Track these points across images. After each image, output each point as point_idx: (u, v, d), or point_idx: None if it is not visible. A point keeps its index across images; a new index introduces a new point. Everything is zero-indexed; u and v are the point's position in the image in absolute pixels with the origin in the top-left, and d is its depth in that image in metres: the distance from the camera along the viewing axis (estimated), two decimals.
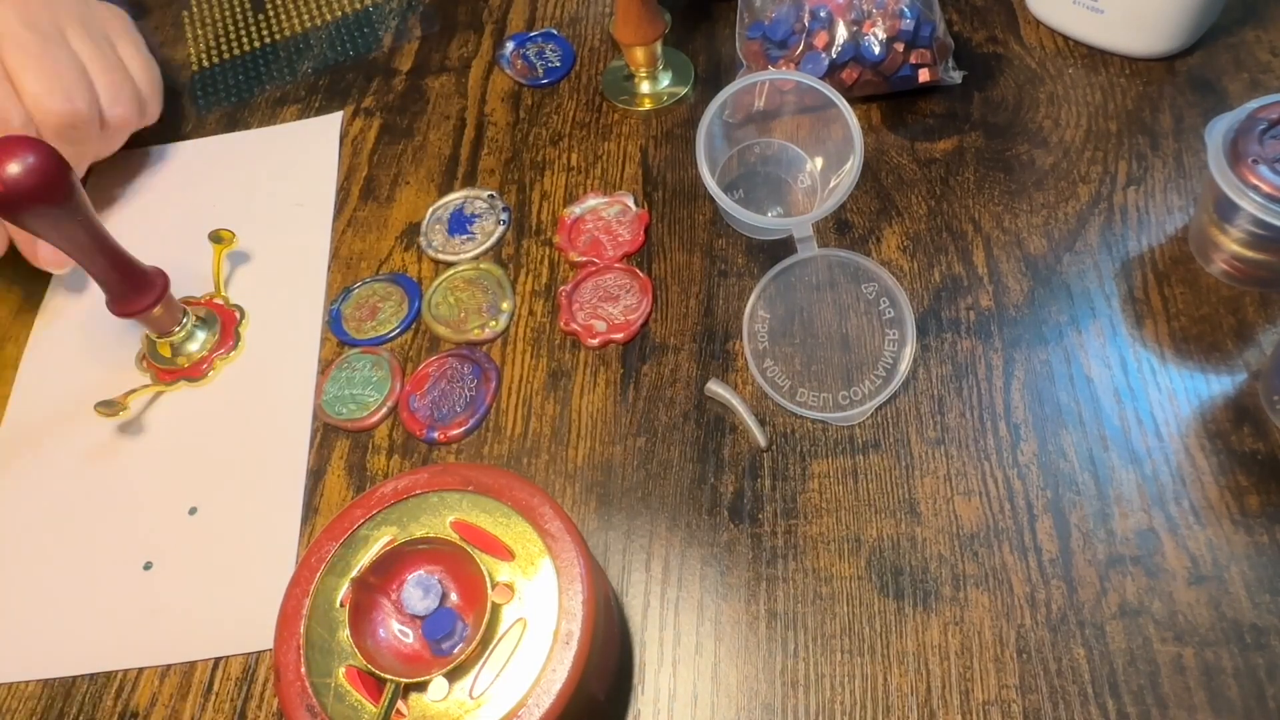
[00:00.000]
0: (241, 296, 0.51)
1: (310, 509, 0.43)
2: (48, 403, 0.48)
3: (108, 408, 0.45)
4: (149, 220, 0.55)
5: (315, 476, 0.44)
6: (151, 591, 0.41)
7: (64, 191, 0.39)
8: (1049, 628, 0.36)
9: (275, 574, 0.41)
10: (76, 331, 0.51)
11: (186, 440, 0.46)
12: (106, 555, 0.43)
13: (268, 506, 0.43)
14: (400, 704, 0.30)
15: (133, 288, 0.45)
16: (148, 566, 0.42)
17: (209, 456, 0.45)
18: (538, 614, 0.31)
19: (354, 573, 0.32)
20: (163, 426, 0.47)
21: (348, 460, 0.44)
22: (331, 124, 0.58)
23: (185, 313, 0.48)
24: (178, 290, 0.47)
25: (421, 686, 0.30)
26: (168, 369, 0.48)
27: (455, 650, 0.31)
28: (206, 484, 0.44)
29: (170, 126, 0.59)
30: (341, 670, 0.31)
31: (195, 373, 0.48)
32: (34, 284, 0.53)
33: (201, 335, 0.49)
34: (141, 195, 0.56)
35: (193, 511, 0.44)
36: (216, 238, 0.51)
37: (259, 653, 0.39)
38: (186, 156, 0.58)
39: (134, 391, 0.46)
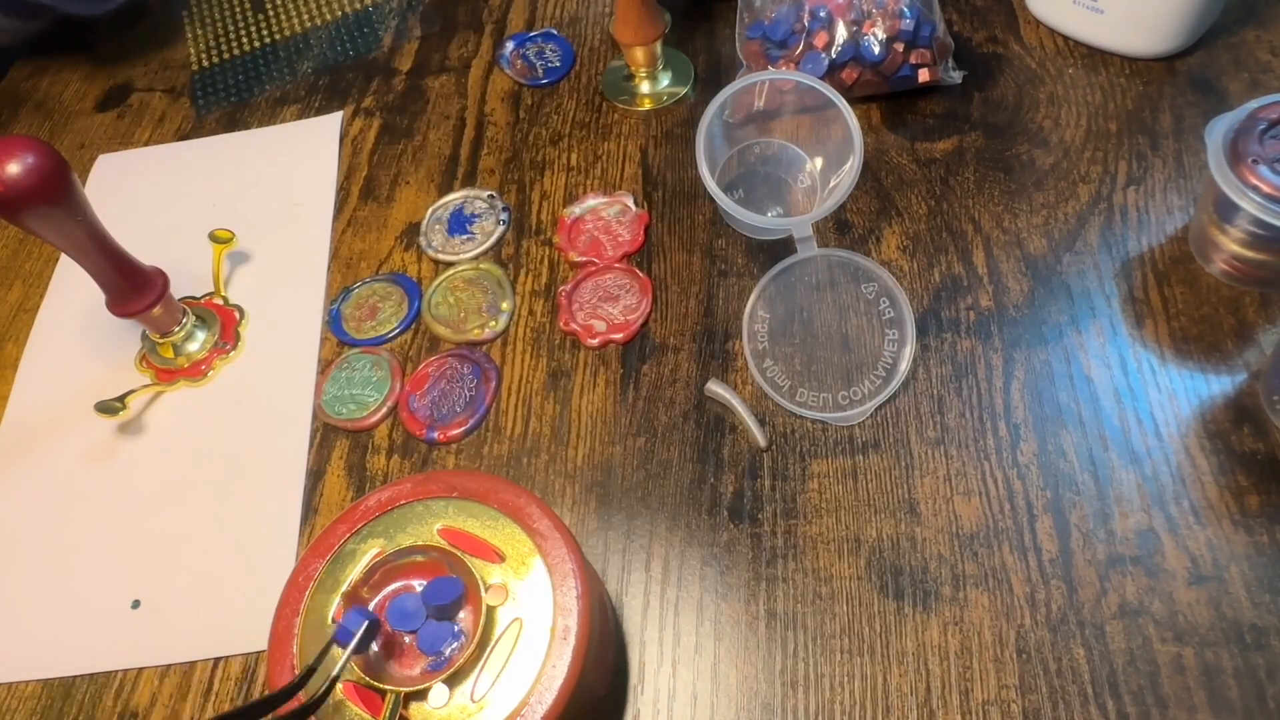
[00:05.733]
0: (241, 296, 0.51)
1: (310, 509, 0.43)
2: (47, 403, 0.48)
3: (107, 408, 0.45)
4: (149, 220, 0.54)
5: (315, 476, 0.44)
6: (151, 591, 0.41)
7: (64, 191, 0.39)
8: (1049, 628, 0.36)
9: (275, 574, 0.41)
10: (76, 331, 0.51)
11: (186, 440, 0.46)
12: (106, 555, 0.43)
13: (267, 506, 0.43)
14: (402, 713, 0.29)
15: (133, 288, 0.45)
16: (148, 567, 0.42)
17: (209, 456, 0.45)
18: (533, 612, 0.31)
19: (344, 588, 0.32)
20: (162, 426, 0.47)
21: (347, 460, 0.44)
22: (331, 124, 0.58)
23: (185, 313, 0.48)
24: (178, 290, 0.47)
25: (422, 695, 0.30)
26: (167, 369, 0.48)
27: (453, 655, 0.31)
28: (206, 484, 0.44)
29: (170, 126, 0.59)
30: (338, 686, 0.30)
31: (195, 373, 0.48)
32: (34, 284, 0.53)
33: (201, 335, 0.49)
34: (141, 195, 0.56)
35: (192, 512, 0.44)
36: (216, 238, 0.51)
37: (259, 653, 0.39)
38: (186, 156, 0.58)
39: (133, 391, 0.46)
